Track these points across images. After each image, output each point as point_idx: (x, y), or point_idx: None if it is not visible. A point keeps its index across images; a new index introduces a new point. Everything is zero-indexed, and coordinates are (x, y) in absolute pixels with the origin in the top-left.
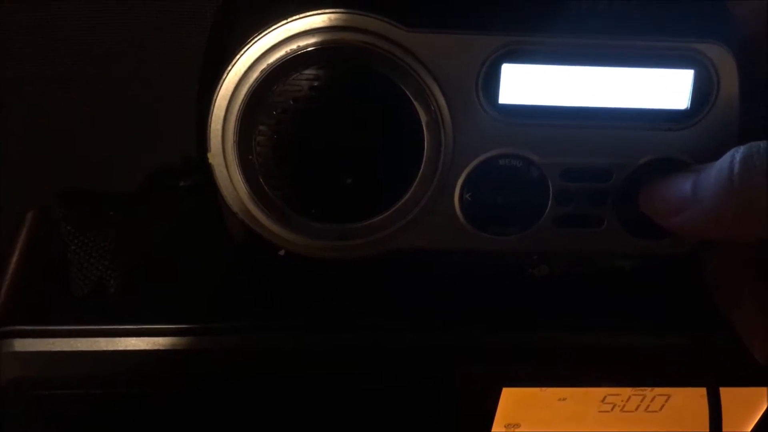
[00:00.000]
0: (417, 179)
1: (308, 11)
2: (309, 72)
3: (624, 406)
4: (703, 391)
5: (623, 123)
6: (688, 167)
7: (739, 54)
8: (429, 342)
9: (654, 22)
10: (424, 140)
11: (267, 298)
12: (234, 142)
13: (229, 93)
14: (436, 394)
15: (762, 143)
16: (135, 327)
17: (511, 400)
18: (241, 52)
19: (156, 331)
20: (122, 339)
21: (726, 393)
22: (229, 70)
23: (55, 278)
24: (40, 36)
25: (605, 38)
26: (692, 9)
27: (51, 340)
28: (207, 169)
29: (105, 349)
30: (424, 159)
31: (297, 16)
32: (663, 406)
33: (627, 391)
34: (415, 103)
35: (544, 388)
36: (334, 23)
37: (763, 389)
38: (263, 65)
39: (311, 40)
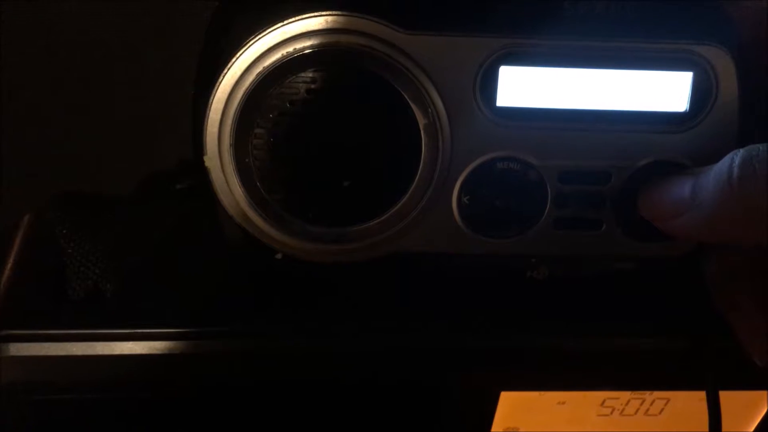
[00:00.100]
0: (414, 182)
1: (305, 13)
2: (305, 75)
3: (623, 409)
4: (702, 394)
5: (622, 125)
6: (687, 170)
7: (737, 56)
8: (426, 346)
9: (652, 24)
10: (421, 143)
11: (264, 302)
12: (230, 145)
13: (226, 96)
14: (434, 398)
15: (761, 146)
16: (131, 331)
17: (509, 403)
18: (237, 55)
19: (152, 335)
20: (118, 343)
21: (727, 394)
22: (225, 73)
23: (51, 282)
24: (38, 38)
25: (603, 40)
26: (690, 11)
27: (47, 345)
28: (203, 173)
29: (101, 353)
30: (421, 162)
31: (293, 19)
32: (662, 409)
33: (626, 395)
34: (413, 105)
35: (543, 392)
36: (330, 26)
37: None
38: (259, 68)
39: (308, 43)
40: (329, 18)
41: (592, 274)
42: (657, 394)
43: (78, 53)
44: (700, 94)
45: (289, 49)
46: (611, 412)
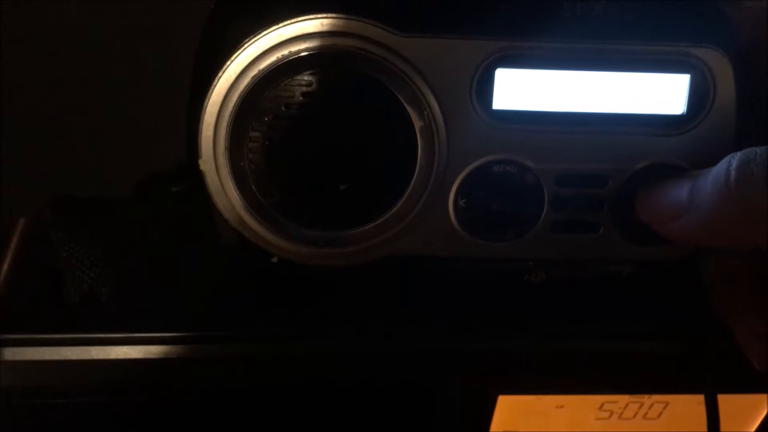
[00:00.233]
0: (411, 185)
1: (300, 16)
2: (301, 77)
3: (622, 413)
4: (700, 397)
5: (619, 128)
6: (685, 173)
7: (735, 58)
8: (424, 349)
9: (649, 26)
10: (417, 146)
11: (260, 306)
12: (225, 148)
13: (221, 99)
14: (431, 402)
15: (759, 149)
16: (127, 335)
17: (507, 407)
18: (233, 58)
19: (148, 339)
20: (114, 347)
21: (727, 395)
22: (220, 76)
23: (46, 286)
24: (36, 40)
25: (600, 43)
26: (688, 13)
27: (42, 349)
28: (198, 176)
29: (96, 357)
30: (417, 165)
31: (289, 22)
32: (661, 413)
33: (625, 399)
34: (409, 108)
35: (540, 396)
36: (326, 28)
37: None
38: (254, 71)
39: (303, 46)
40: (325, 21)
41: (590, 277)
42: (655, 397)
43: (77, 54)
44: (697, 96)
45: (285, 52)
46: (610, 416)
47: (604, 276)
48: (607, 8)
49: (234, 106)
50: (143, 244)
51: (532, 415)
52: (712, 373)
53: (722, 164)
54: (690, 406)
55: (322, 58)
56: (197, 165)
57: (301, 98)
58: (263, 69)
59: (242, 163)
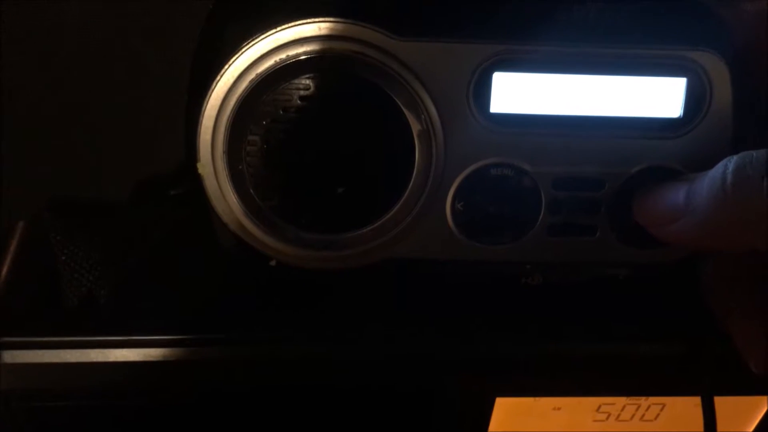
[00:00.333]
0: (408, 189)
1: (298, 20)
2: (299, 81)
3: (619, 415)
4: (698, 400)
5: (616, 132)
6: (681, 176)
7: (731, 61)
8: (421, 352)
9: (646, 30)
10: (415, 150)
11: (258, 309)
12: (223, 152)
13: (219, 103)
14: (429, 404)
15: (755, 153)
16: (125, 338)
17: (505, 409)
18: (231, 62)
19: (147, 342)
20: (113, 350)
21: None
22: (219, 80)
23: (45, 289)
24: (36, 42)
25: (597, 46)
26: (684, 17)
27: (41, 352)
28: (197, 179)
29: (95, 360)
30: (415, 168)
31: (286, 26)
32: (658, 415)
33: (622, 401)
34: (406, 112)
35: (538, 398)
36: (323, 32)
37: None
38: (252, 75)
39: (301, 50)
40: (322, 25)
41: (587, 280)
42: (653, 399)
43: (77, 54)
44: (693, 99)
45: (283, 55)
46: (607, 418)
47: (601, 279)
48: (604, 12)
49: (232, 109)
50: (142, 246)
51: (529, 417)
52: (709, 375)
53: (719, 167)
54: (687, 408)
55: (320, 61)
56: (195, 168)
57: (299, 102)
58: (261, 73)
59: (240, 167)
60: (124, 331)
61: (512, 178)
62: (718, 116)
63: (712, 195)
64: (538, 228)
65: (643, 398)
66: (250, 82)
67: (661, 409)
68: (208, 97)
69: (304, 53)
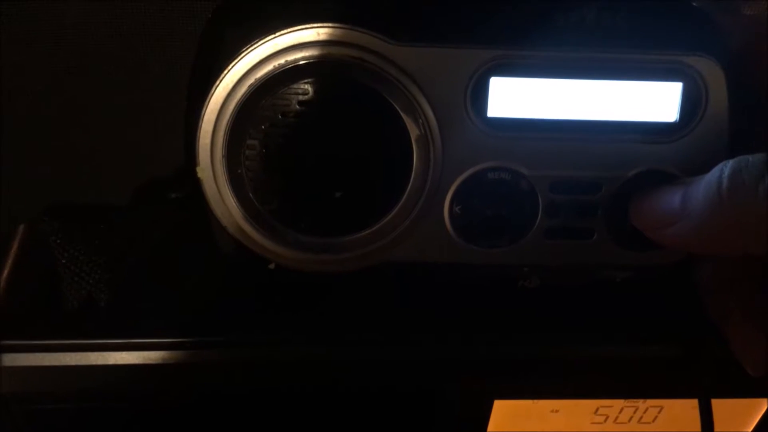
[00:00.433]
0: (406, 193)
1: (297, 26)
2: (297, 86)
3: (617, 417)
4: (696, 402)
5: (612, 136)
6: (678, 180)
7: (727, 66)
8: (419, 355)
9: (642, 35)
10: (413, 154)
11: (258, 312)
12: (223, 156)
13: (218, 107)
14: (427, 406)
15: (750, 157)
16: (126, 341)
17: (503, 412)
18: (230, 67)
19: (146, 345)
20: (113, 353)
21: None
22: (218, 85)
23: (45, 292)
24: (35, 44)
25: (593, 51)
26: (680, 22)
27: (41, 355)
28: (196, 183)
29: (96, 363)
30: (413, 172)
31: (285, 31)
32: (656, 417)
33: (620, 403)
34: (404, 117)
35: (536, 400)
36: (322, 38)
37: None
38: (251, 79)
39: (299, 55)
40: (321, 30)
41: (584, 283)
42: (650, 402)
43: (77, 56)
44: (690, 104)
45: (281, 60)
46: (605, 420)
47: (599, 281)
48: (600, 17)
49: (231, 114)
50: (142, 249)
51: (527, 419)
52: (706, 377)
53: (714, 172)
54: (685, 411)
55: (319, 67)
56: (195, 172)
57: (297, 107)
58: (260, 77)
59: (239, 171)
60: (124, 334)
61: (509, 182)
62: (714, 120)
63: (708, 199)
64: (535, 231)
65: (641, 401)
66: (250, 86)
67: (659, 412)
68: (207, 101)
69: (303, 58)
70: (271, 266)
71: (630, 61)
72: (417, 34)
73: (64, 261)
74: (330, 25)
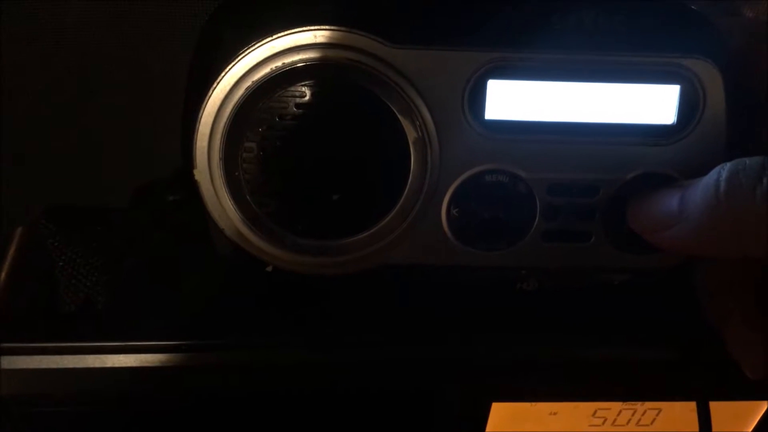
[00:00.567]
0: (404, 195)
1: (294, 28)
2: (294, 89)
3: (615, 420)
4: (694, 404)
5: (610, 138)
6: (675, 183)
7: (724, 69)
8: (416, 358)
9: (640, 37)
10: (410, 156)
11: (255, 315)
12: (220, 158)
13: (215, 110)
14: (425, 408)
15: (748, 160)
16: (123, 344)
17: (501, 414)
18: (227, 69)
19: (144, 347)
20: (110, 356)
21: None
22: (215, 87)
23: (43, 295)
24: (35, 44)
25: (591, 54)
26: (678, 25)
27: (38, 357)
28: (193, 186)
29: (93, 366)
30: (410, 175)
31: (282, 33)
32: (654, 420)
33: (618, 406)
34: (401, 119)
35: (534, 403)
36: (319, 40)
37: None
38: (249, 82)
39: (297, 57)
40: (318, 33)
41: (582, 285)
42: (649, 404)
43: (77, 56)
44: (687, 106)
45: (279, 63)
46: (603, 423)
47: (597, 284)
48: (598, 20)
49: (228, 116)
50: (140, 252)
51: (525, 422)
52: (704, 380)
53: (712, 174)
54: (683, 413)
55: (316, 69)
56: (192, 175)
57: (295, 109)
58: (257, 80)
59: (237, 173)
60: (122, 337)
61: (507, 185)
62: (711, 123)
63: (706, 202)
64: (533, 234)
65: (639, 403)
66: (247, 89)
67: (657, 414)
68: (204, 104)
69: (300, 61)
70: (269, 269)
71: (627, 63)
72: (414, 37)
73: (61, 263)
74: (327, 27)
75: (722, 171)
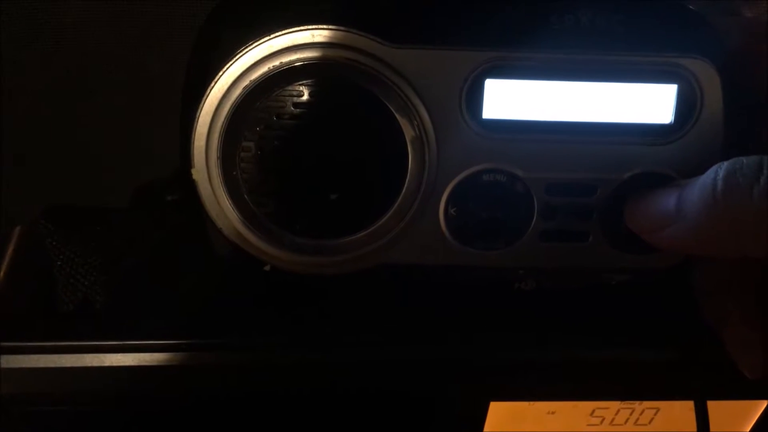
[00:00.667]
0: (401, 195)
1: (291, 27)
2: (292, 88)
3: (613, 419)
4: (692, 404)
5: (607, 138)
6: (673, 182)
7: (722, 68)
8: (415, 357)
9: (637, 37)
10: (408, 156)
11: (254, 314)
12: (218, 158)
13: (213, 109)
14: (423, 408)
15: (745, 159)
16: (121, 343)
17: (500, 413)
18: (225, 69)
19: (143, 347)
20: (108, 355)
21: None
22: (213, 87)
23: (41, 294)
24: (36, 44)
25: (589, 53)
26: (676, 24)
27: (37, 357)
28: (191, 185)
29: (91, 365)
30: (408, 174)
31: (280, 33)
32: (652, 419)
33: (616, 405)
34: (399, 118)
35: (532, 402)
36: (317, 40)
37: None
38: (246, 81)
39: (294, 56)
40: (316, 32)
41: (580, 285)
42: (647, 404)
43: (77, 56)
44: (685, 106)
45: (276, 62)
46: (601, 422)
47: (595, 284)
48: (595, 19)
49: (226, 116)
50: (138, 251)
51: (524, 421)
52: (702, 379)
53: (709, 173)
54: (681, 413)
55: (314, 68)
56: (190, 174)
57: (292, 108)
58: (255, 79)
59: (234, 173)
60: (120, 336)
61: (505, 184)
62: (709, 122)
63: (703, 201)
64: (530, 233)
65: (637, 402)
66: (244, 88)
67: (655, 414)
68: (202, 103)
69: (298, 60)
70: (267, 268)
71: (625, 63)
72: (412, 36)
73: (59, 263)
74: (325, 26)
75: (719, 170)
